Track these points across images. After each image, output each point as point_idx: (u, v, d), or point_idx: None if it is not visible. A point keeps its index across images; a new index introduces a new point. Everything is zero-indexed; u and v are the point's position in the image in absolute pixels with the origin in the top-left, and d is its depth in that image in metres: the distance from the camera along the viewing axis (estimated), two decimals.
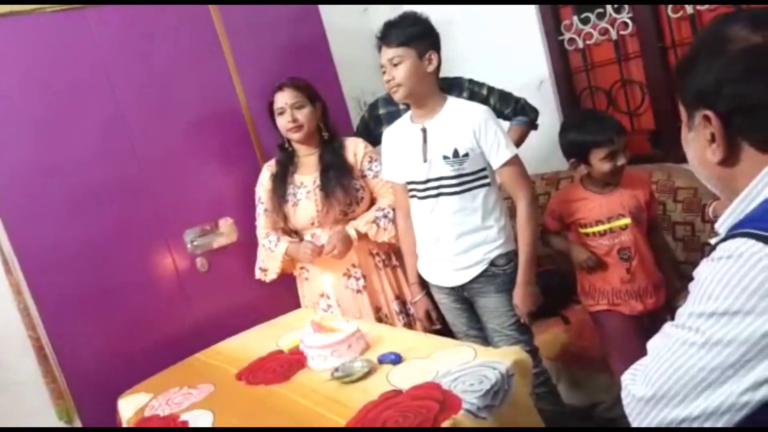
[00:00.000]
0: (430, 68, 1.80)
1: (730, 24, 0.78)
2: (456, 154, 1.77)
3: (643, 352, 0.80)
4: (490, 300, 1.85)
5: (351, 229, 2.07)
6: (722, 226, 0.81)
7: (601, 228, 1.85)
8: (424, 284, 2.01)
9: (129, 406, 1.70)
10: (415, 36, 1.79)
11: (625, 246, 1.83)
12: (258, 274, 2.22)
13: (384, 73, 1.81)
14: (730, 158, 0.78)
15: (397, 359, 1.51)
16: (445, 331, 2.02)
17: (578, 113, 2.56)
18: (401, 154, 1.91)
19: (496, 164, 1.78)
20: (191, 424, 1.48)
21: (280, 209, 2.13)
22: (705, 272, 0.72)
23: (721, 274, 0.70)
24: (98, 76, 2.14)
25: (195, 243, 2.28)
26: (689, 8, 2.22)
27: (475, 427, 1.21)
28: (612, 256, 1.85)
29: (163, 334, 2.19)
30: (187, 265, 2.28)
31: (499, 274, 1.83)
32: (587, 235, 1.88)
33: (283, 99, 2.07)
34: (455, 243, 1.84)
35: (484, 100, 2.18)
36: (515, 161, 1.80)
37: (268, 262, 2.18)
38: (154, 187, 2.24)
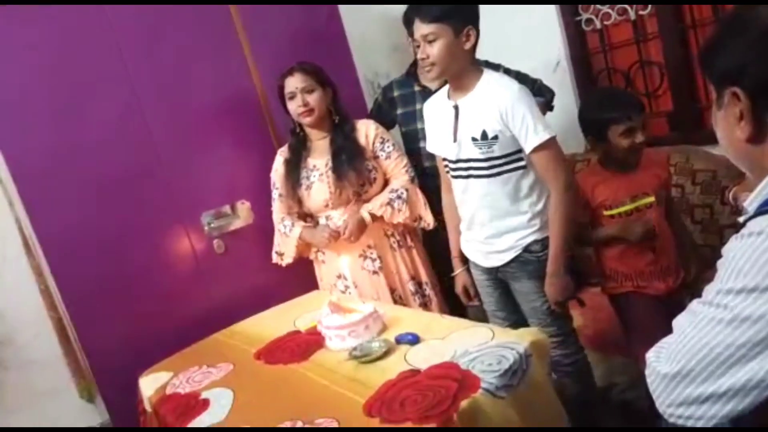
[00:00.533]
0: (468, 45, 1.68)
1: (756, 7, 0.77)
2: (485, 136, 1.69)
3: (667, 333, 0.80)
4: (524, 285, 1.82)
5: (365, 212, 2.07)
6: (752, 204, 0.80)
7: (626, 208, 1.83)
8: (464, 259, 1.95)
9: (150, 385, 1.73)
10: (453, 11, 1.65)
11: (648, 226, 1.81)
12: (275, 258, 2.24)
13: (418, 48, 1.72)
14: (758, 135, 0.77)
15: (414, 339, 1.52)
16: (482, 308, 2.01)
17: (598, 91, 2.54)
18: (437, 130, 1.85)
19: (527, 149, 1.68)
20: (212, 402, 1.50)
21: (295, 193, 2.15)
22: (734, 249, 0.72)
23: (751, 251, 0.69)
24: (114, 62, 2.15)
25: (212, 225, 2.30)
26: None
27: (493, 406, 1.22)
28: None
29: (182, 315, 2.22)
30: (204, 247, 2.30)
31: (532, 260, 1.77)
32: (612, 217, 1.85)
33: (294, 83, 2.07)
34: (487, 226, 1.80)
35: None
36: (548, 145, 1.66)
37: (284, 247, 2.20)
38: (171, 171, 2.26)
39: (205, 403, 1.51)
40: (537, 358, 1.37)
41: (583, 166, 2.31)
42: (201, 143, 2.32)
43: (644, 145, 1.79)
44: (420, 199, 2.13)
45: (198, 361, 1.78)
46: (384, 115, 2.38)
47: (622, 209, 1.84)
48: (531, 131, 1.65)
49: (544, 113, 2.28)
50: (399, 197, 2.09)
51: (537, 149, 1.66)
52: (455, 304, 2.15)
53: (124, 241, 2.16)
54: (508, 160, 1.72)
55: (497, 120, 1.67)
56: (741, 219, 0.81)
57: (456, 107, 1.75)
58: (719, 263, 0.75)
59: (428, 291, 2.19)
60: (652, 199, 1.82)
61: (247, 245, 2.34)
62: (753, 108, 0.76)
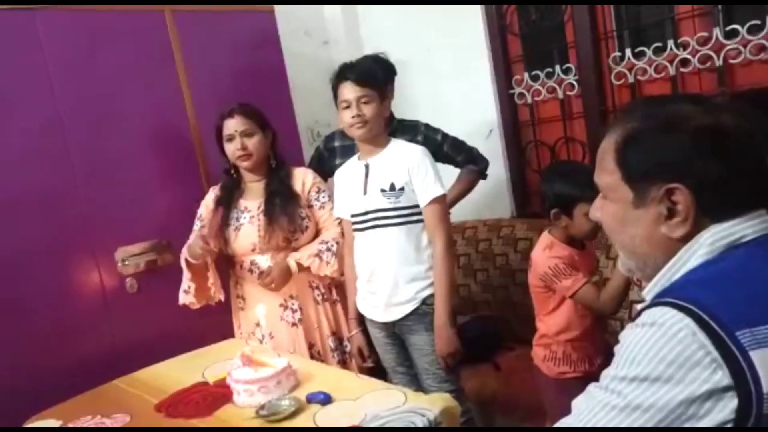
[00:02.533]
0: (386, 113, 1.95)
1: (674, 105, 0.81)
2: (393, 187, 1.87)
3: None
4: (420, 338, 1.89)
5: (292, 260, 2.03)
6: (649, 293, 0.84)
7: None
8: (361, 320, 2.03)
9: None
10: (382, 80, 1.95)
11: None
12: (181, 299, 2.08)
13: (346, 108, 1.85)
14: (692, 233, 0.79)
15: (326, 399, 1.48)
16: (378, 368, 2.03)
17: (564, 163, 2.51)
18: (347, 189, 1.99)
19: (422, 202, 1.86)
20: None
21: (221, 233, 2.08)
22: (629, 337, 0.75)
23: (644, 341, 0.72)
24: (40, 78, 2.06)
25: (126, 262, 2.19)
26: (630, 77, 2.37)
27: None
28: (593, 316, 1.75)
29: (81, 356, 2.07)
30: (115, 284, 2.18)
31: (429, 312, 1.86)
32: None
33: (233, 126, 2.03)
34: (389, 276, 1.88)
35: (439, 146, 2.24)
36: (440, 201, 1.86)
37: (185, 275, 2.06)
38: (89, 199, 2.15)
39: None
40: (447, 425, 1.36)
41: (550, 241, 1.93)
42: (125, 174, 2.23)
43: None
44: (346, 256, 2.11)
45: (92, 410, 1.64)
46: (323, 163, 2.39)
47: None
48: (430, 185, 1.85)
49: (477, 181, 2.39)
50: (328, 249, 2.06)
51: (431, 202, 1.85)
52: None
53: (25, 267, 2.01)
54: (413, 212, 1.88)
55: (405, 174, 1.86)
56: (638, 307, 0.85)
57: (367, 165, 1.93)
58: (616, 349, 0.77)
59: (349, 347, 2.14)
60: (596, 278, 1.86)
61: (162, 287, 2.22)
62: (696, 206, 0.77)
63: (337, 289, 2.16)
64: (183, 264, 2.04)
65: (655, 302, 0.75)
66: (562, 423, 0.81)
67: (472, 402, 2.02)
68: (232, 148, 2.04)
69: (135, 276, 2.21)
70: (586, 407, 0.76)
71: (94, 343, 2.12)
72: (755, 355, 0.67)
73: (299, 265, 2.03)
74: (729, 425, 0.67)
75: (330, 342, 2.11)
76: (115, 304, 2.17)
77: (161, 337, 2.18)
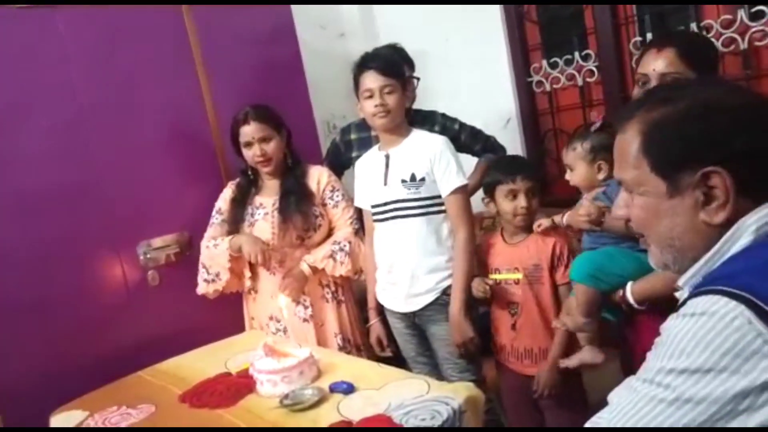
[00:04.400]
0: (408, 102, 1.95)
1: (699, 87, 0.79)
2: (413, 178, 1.85)
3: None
4: (440, 328, 1.89)
5: (305, 265, 2.04)
6: (688, 282, 0.81)
7: (496, 277, 1.84)
8: (380, 310, 2.03)
9: (62, 424, 1.60)
10: (401, 69, 1.95)
11: (513, 300, 1.81)
12: (202, 289, 2.10)
13: (369, 97, 1.85)
14: (733, 217, 0.75)
15: (349, 389, 1.48)
16: (397, 358, 2.03)
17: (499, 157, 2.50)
18: (367, 180, 1.99)
19: (444, 192, 1.85)
20: None
21: (236, 229, 2.09)
22: (676, 328, 0.71)
23: (694, 331, 0.69)
24: (62, 76, 2.09)
25: (148, 255, 2.21)
26: None
27: None
28: (503, 306, 1.84)
29: (105, 348, 2.10)
30: (137, 277, 2.21)
31: (449, 303, 1.85)
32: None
33: (250, 133, 2.03)
34: (409, 267, 1.89)
35: (456, 135, 2.22)
36: (462, 191, 1.85)
37: (214, 265, 2.07)
38: (111, 195, 2.17)
39: None
40: (471, 414, 1.35)
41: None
42: (145, 169, 2.25)
43: (528, 211, 1.78)
44: (362, 252, 2.09)
45: (117, 401, 1.66)
46: (340, 156, 2.38)
47: (493, 277, 1.84)
48: (452, 175, 1.84)
49: None
50: (341, 249, 2.06)
51: (454, 192, 1.84)
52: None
53: (50, 263, 2.04)
54: (433, 203, 1.87)
55: (425, 164, 1.85)
56: (678, 295, 0.82)
57: (387, 156, 1.92)
58: (658, 341, 0.74)
59: (350, 348, 2.13)
60: (518, 276, 1.79)
61: (183, 279, 2.24)
62: (735, 187, 0.74)
63: (344, 288, 2.16)
64: (224, 256, 2.04)
65: (702, 291, 0.72)
66: (600, 419, 0.77)
67: (493, 392, 2.01)
68: (251, 154, 2.05)
69: (156, 269, 2.22)
70: (628, 402, 0.73)
71: (117, 336, 2.15)
72: None
73: (313, 268, 2.03)
74: None
75: (338, 340, 2.11)
76: (137, 297, 2.20)
77: (182, 329, 2.20)
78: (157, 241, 2.26)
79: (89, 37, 2.14)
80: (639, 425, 0.70)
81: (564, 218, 1.68)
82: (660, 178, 0.79)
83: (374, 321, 2.05)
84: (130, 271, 2.19)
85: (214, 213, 2.16)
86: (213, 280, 2.09)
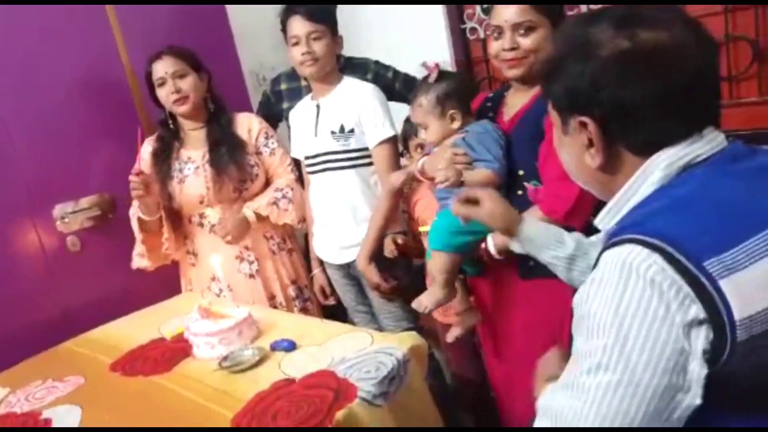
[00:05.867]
0: (338, 49, 1.86)
1: (595, 26, 0.75)
2: (342, 129, 1.81)
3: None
4: None
5: (249, 211, 1.94)
6: (602, 222, 0.82)
7: (423, 229, 1.80)
8: (322, 260, 2.02)
9: None
10: (332, 15, 1.83)
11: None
12: (136, 262, 1.97)
13: (296, 44, 1.77)
14: (609, 164, 0.78)
15: (290, 346, 1.44)
16: (340, 307, 2.05)
17: None
18: (300, 131, 1.94)
19: (371, 143, 1.81)
20: (55, 422, 1.32)
21: (164, 187, 1.95)
22: (595, 299, 0.69)
23: (614, 298, 0.67)
24: None
25: (66, 220, 2.06)
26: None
27: (370, 415, 1.18)
28: None
29: (26, 321, 1.96)
30: (56, 243, 2.06)
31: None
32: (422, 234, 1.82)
33: (163, 68, 1.88)
34: (340, 219, 1.87)
35: (390, 83, 2.17)
36: (389, 143, 1.81)
37: (138, 238, 1.93)
38: (21, 155, 2.00)
39: (47, 424, 1.32)
40: (415, 363, 1.35)
41: None
42: (58, 127, 2.08)
43: None
44: (304, 199, 2.04)
45: (42, 374, 1.56)
46: (271, 108, 2.28)
47: (422, 229, 1.81)
48: (379, 126, 1.80)
49: None
50: (284, 197, 1.98)
51: (380, 143, 1.80)
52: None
53: None
54: (362, 155, 1.84)
55: (354, 115, 1.80)
56: (595, 240, 0.81)
57: (318, 106, 1.87)
58: (580, 317, 0.71)
59: (308, 294, 2.11)
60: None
61: (107, 243, 2.12)
62: (604, 136, 0.76)
63: (289, 237, 2.11)
64: (134, 225, 1.91)
65: (615, 242, 0.71)
66: (549, 423, 0.73)
67: (432, 338, 2.03)
68: (165, 93, 1.90)
69: (77, 234, 2.08)
70: (581, 403, 0.68)
71: (38, 307, 2.01)
72: (725, 284, 0.65)
73: (257, 215, 1.94)
74: (707, 357, 0.65)
75: (291, 291, 2.07)
76: (57, 265, 2.06)
77: (110, 296, 2.10)
78: (75, 204, 2.10)
79: None
80: (610, 419, 0.67)
81: (419, 166, 1.55)
82: (557, 114, 0.82)
83: (316, 271, 2.06)
84: (46, 237, 2.04)
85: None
86: (141, 255, 1.96)
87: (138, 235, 1.93)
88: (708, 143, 0.75)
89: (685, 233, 0.67)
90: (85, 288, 2.09)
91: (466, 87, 1.51)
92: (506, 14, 1.35)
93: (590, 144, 0.77)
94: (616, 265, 0.68)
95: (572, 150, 0.81)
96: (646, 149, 0.76)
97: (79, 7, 2.12)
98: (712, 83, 0.78)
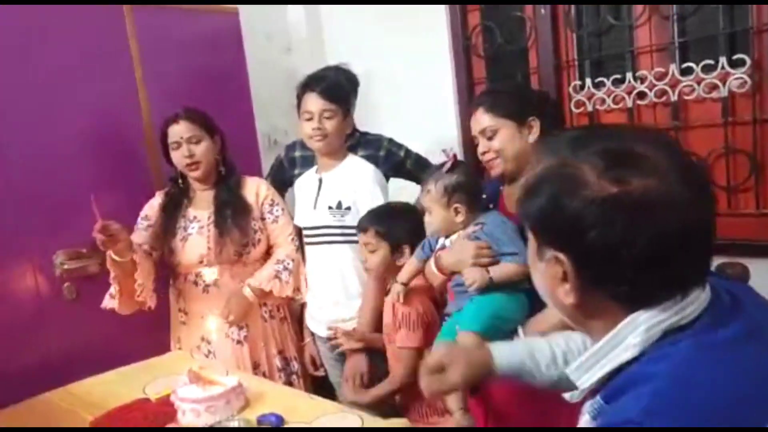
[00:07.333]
0: (348, 129, 1.95)
1: (583, 159, 0.69)
2: (339, 205, 1.88)
3: None
4: None
5: (247, 290, 1.95)
6: (582, 377, 0.75)
7: None
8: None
9: None
10: (346, 96, 1.92)
11: None
12: (105, 302, 1.91)
13: (309, 120, 1.85)
14: (584, 305, 0.73)
15: (278, 421, 1.42)
16: (327, 379, 2.07)
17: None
18: (303, 202, 2.01)
19: None
20: None
21: (167, 243, 1.97)
22: None
23: None
24: None
25: (65, 266, 2.05)
26: (589, 106, 2.42)
27: None
28: None
29: (12, 367, 1.92)
30: (52, 290, 2.05)
31: None
32: None
33: (179, 132, 1.94)
34: (331, 294, 1.92)
35: (401, 161, 2.20)
36: None
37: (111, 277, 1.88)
38: (26, 197, 2.01)
39: None
40: None
41: None
42: (66, 173, 2.09)
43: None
44: (303, 271, 2.04)
45: (21, 424, 1.52)
46: (283, 173, 2.31)
47: None
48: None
49: None
50: (286, 269, 1.99)
51: None
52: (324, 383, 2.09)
53: None
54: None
55: (352, 193, 1.87)
56: (571, 397, 0.77)
57: (320, 180, 1.95)
58: None
59: (296, 367, 2.08)
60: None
61: (102, 294, 2.10)
62: (578, 277, 0.70)
63: (284, 307, 2.11)
64: (108, 264, 1.87)
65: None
66: None
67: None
68: (178, 156, 1.95)
69: (74, 282, 2.07)
70: None
71: (26, 353, 1.98)
72: None
73: (260, 291, 1.95)
74: None
75: (277, 361, 2.04)
76: (50, 312, 2.04)
77: (100, 347, 2.06)
78: (75, 252, 2.10)
79: (13, 27, 1.98)
80: None
81: (434, 261, 1.51)
82: (533, 235, 0.77)
83: (308, 340, 2.07)
84: (44, 283, 2.03)
85: (139, 220, 2.04)
86: (112, 295, 1.91)
87: (112, 271, 1.86)
88: (691, 304, 0.70)
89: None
90: (76, 338, 2.06)
91: (476, 184, 1.54)
92: (474, 124, 1.54)
93: (564, 278, 0.72)
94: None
95: (545, 279, 0.75)
96: (626, 302, 0.70)
97: (105, 51, 2.17)
98: (704, 241, 0.70)
